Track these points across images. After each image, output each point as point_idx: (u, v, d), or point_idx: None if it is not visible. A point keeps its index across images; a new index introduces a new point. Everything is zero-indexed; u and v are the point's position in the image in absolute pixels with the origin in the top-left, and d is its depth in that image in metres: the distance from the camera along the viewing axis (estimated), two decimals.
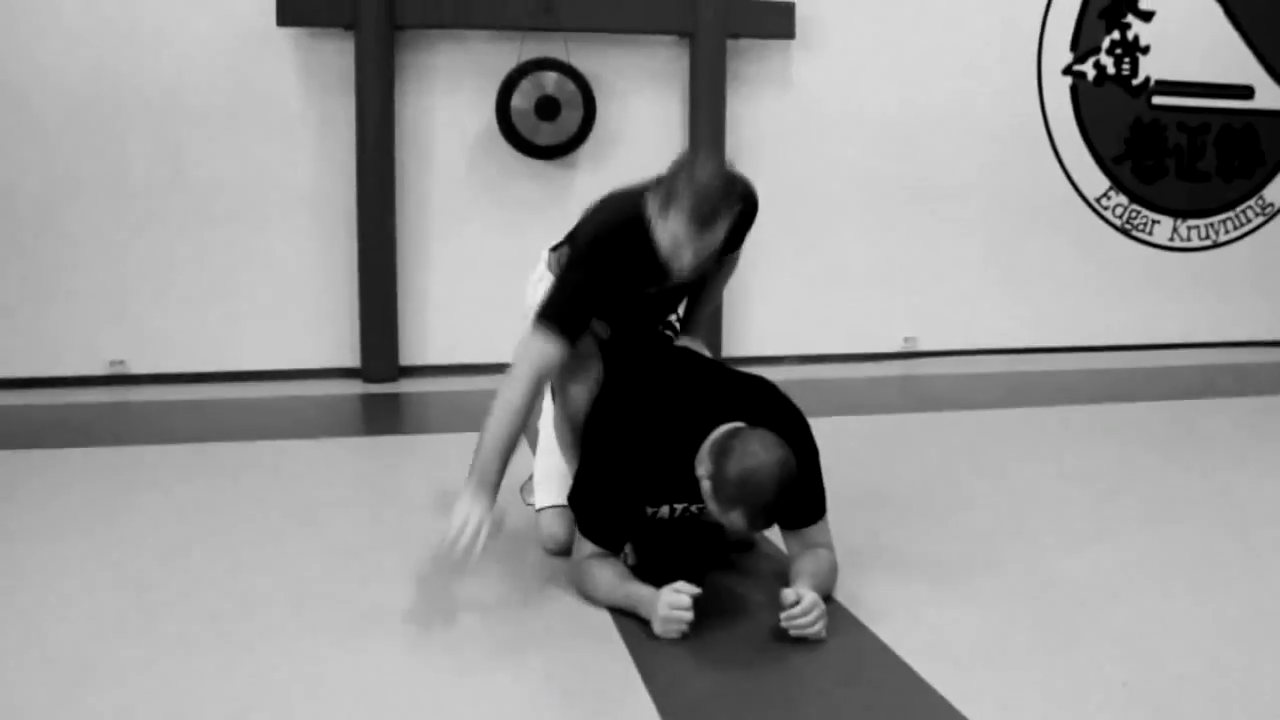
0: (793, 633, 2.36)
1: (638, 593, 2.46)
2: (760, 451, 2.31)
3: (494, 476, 2.50)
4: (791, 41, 5.51)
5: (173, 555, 2.89)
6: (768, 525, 2.42)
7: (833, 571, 2.61)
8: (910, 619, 2.53)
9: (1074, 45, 5.91)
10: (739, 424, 2.45)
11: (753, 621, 2.48)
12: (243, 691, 2.17)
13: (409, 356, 5.35)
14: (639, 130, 5.45)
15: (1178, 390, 5.26)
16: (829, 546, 2.64)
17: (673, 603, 2.37)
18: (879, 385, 5.38)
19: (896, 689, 2.22)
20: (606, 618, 2.49)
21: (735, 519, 2.33)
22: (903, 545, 3.02)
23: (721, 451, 2.34)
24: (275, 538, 3.02)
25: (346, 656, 2.33)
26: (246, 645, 2.37)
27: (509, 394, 2.51)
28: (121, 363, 5.07)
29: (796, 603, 2.35)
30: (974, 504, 3.40)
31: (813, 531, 2.62)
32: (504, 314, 5.28)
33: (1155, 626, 2.50)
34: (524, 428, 2.55)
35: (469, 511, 2.43)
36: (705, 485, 2.38)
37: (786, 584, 2.51)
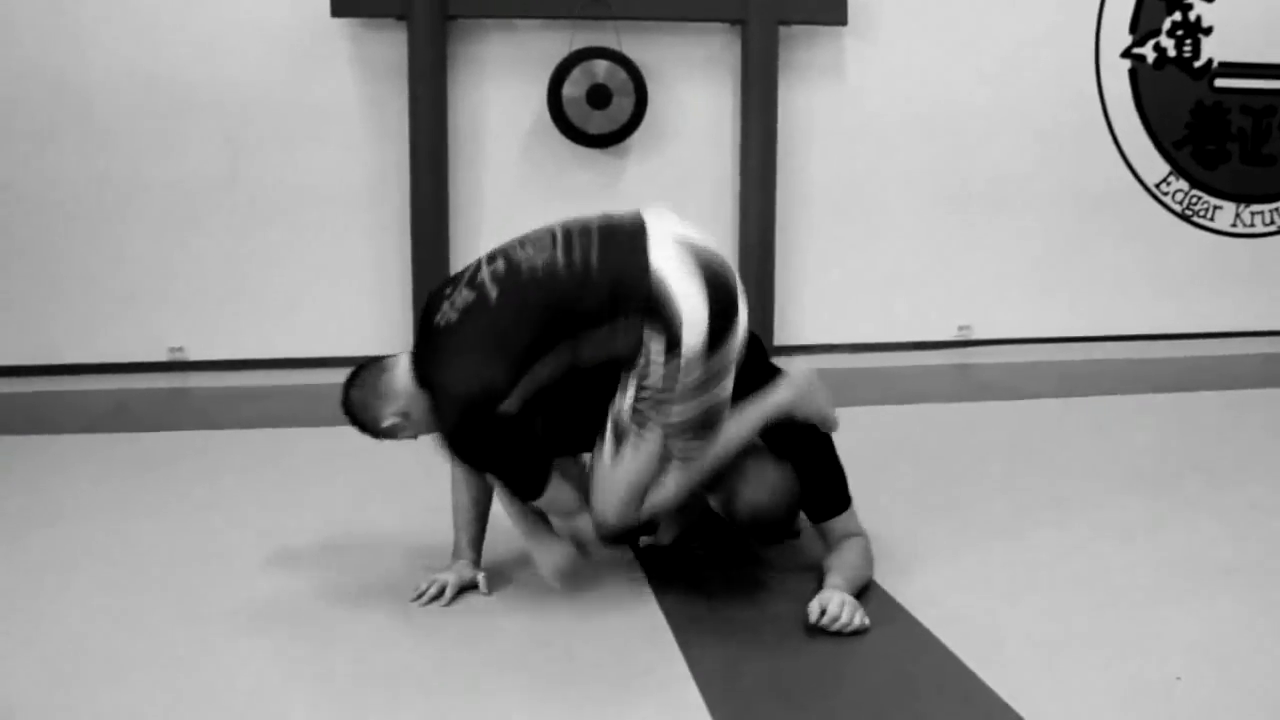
0: (832, 630, 2.37)
1: (535, 532, 2.55)
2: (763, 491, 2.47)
3: (463, 545, 2.62)
4: (843, 28, 5.46)
5: (225, 539, 2.96)
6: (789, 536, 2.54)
7: (864, 557, 2.62)
8: (958, 609, 2.52)
9: (1133, 27, 5.80)
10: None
11: (800, 607, 2.48)
12: (285, 679, 2.21)
13: None
14: (690, 118, 5.44)
15: (1239, 379, 5.16)
16: (858, 532, 2.65)
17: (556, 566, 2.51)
18: (932, 374, 5.34)
19: (942, 678, 2.21)
20: (653, 604, 2.51)
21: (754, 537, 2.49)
22: (952, 534, 3.00)
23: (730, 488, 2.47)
24: (328, 524, 3.07)
25: (390, 645, 2.36)
26: (285, 633, 2.41)
27: (454, 467, 2.59)
28: (180, 349, 5.16)
29: (823, 612, 2.37)
30: (1026, 494, 3.36)
31: (840, 522, 2.63)
32: None
33: (1212, 622, 2.47)
34: (482, 489, 2.60)
35: (436, 578, 2.56)
36: (714, 503, 2.53)
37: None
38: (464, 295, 2.39)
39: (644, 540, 2.80)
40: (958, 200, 5.74)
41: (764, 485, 2.48)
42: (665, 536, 2.78)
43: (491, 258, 2.45)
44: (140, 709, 2.09)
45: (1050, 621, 2.46)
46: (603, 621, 2.46)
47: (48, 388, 4.86)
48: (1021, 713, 2.06)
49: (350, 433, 2.57)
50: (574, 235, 2.39)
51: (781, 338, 5.59)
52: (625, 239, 2.37)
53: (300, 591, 2.62)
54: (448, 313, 2.39)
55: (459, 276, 2.50)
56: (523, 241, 2.46)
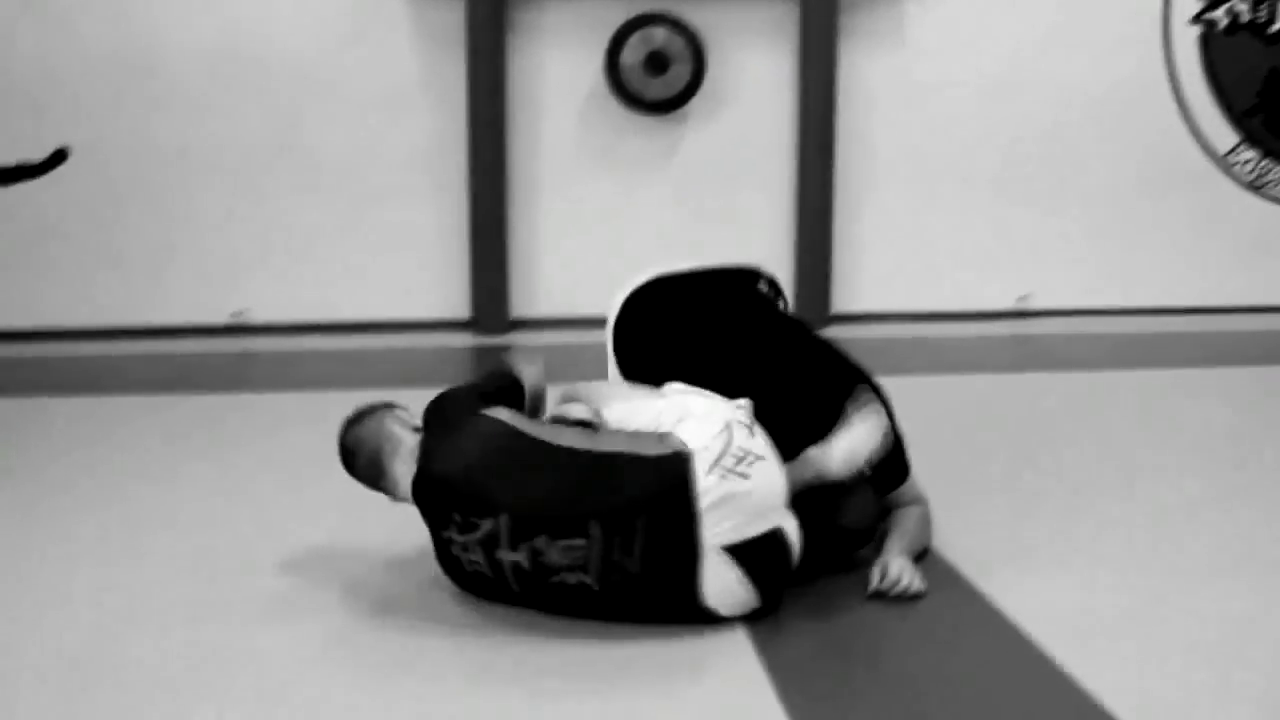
0: (892, 595, 2.38)
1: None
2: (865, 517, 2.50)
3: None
4: None
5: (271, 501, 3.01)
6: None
7: (923, 524, 2.64)
8: (1017, 580, 2.52)
9: None
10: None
11: (859, 578, 2.48)
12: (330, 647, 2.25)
13: (520, 309, 5.42)
14: (749, 85, 5.40)
15: None
16: (917, 500, 2.66)
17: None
18: (990, 345, 5.28)
19: (1003, 651, 2.21)
20: None
21: None
22: (1012, 506, 2.99)
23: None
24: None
25: (429, 614, 2.39)
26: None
27: None
28: (242, 313, 5.24)
29: (883, 577, 2.40)
30: (1087, 467, 3.33)
31: (901, 492, 2.64)
32: (613, 267, 5.34)
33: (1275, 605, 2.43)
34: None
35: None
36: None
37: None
38: (473, 557, 2.29)
39: None
40: (1019, 168, 5.64)
41: (865, 511, 2.52)
42: None
43: (514, 538, 2.23)
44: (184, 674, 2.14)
45: (1109, 594, 2.45)
46: None
47: (109, 351, 4.95)
48: (1073, 676, 2.06)
49: (415, 399, 2.60)
50: (614, 555, 2.19)
51: (839, 305, 5.56)
52: (673, 566, 2.20)
53: (355, 558, 2.67)
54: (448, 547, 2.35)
55: (467, 510, 2.29)
56: (552, 534, 2.21)
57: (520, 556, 2.21)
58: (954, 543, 2.68)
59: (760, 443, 2.27)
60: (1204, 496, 3.07)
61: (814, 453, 2.35)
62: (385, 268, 5.33)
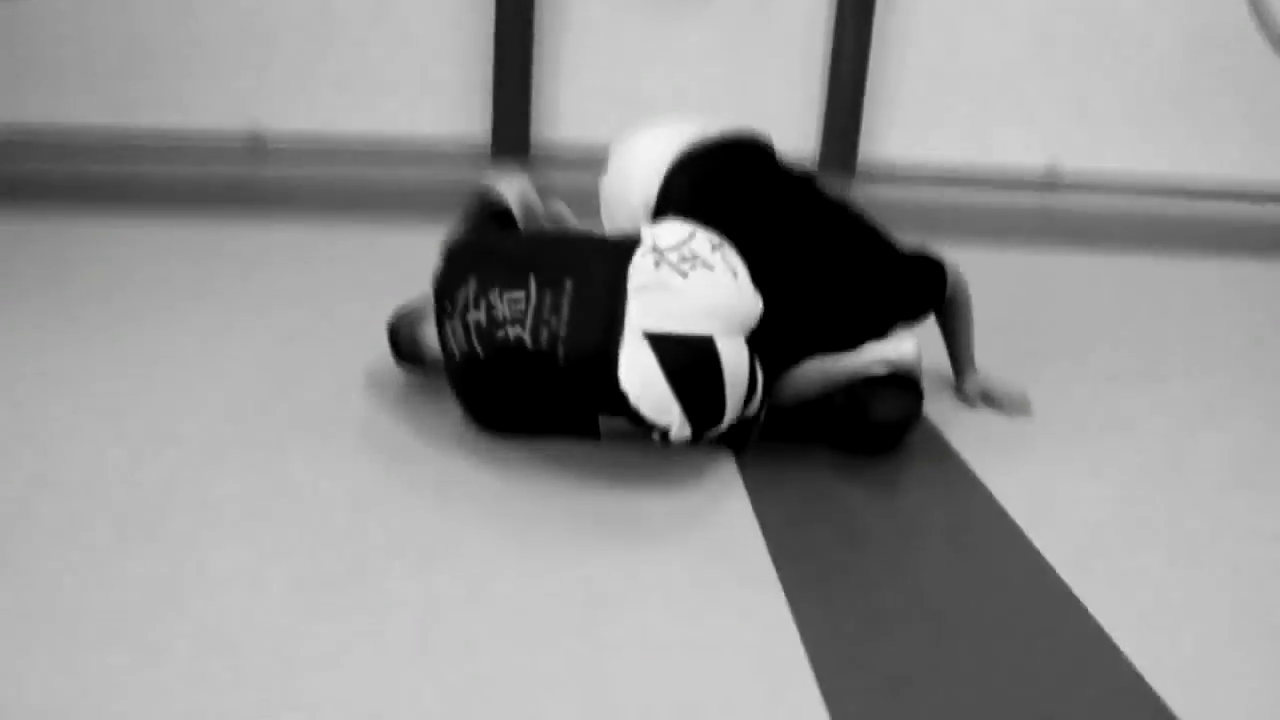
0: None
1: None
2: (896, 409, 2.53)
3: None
4: None
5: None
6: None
7: (966, 306, 2.81)
8: (1028, 483, 2.52)
9: None
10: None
11: (867, 469, 2.51)
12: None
13: (543, 132, 5.26)
14: None
15: None
16: (955, 283, 2.75)
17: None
18: (1022, 214, 5.14)
19: (1006, 556, 2.23)
20: (732, 467, 2.51)
21: None
22: (1035, 402, 2.96)
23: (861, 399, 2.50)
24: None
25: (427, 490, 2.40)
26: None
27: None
28: (256, 121, 5.08)
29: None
30: (1112, 362, 3.29)
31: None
32: (647, 87, 5.20)
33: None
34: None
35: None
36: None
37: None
38: (457, 334, 2.39)
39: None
40: (1062, 30, 5.40)
41: (898, 404, 2.52)
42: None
43: (478, 296, 2.36)
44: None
45: (1126, 510, 2.44)
46: (676, 467, 2.47)
47: (121, 152, 4.82)
48: (1066, 580, 2.11)
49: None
50: (544, 309, 2.28)
51: (867, 155, 5.42)
52: (594, 334, 2.24)
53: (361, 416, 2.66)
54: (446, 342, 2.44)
55: (452, 292, 2.44)
56: (503, 286, 2.34)
57: (480, 314, 2.33)
58: (965, 435, 2.68)
59: (718, 257, 2.32)
60: (1235, 406, 3.02)
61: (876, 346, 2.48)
62: (403, 82, 5.14)
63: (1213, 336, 3.62)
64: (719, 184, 2.67)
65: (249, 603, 1.90)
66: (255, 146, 5.04)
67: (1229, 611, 2.09)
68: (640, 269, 2.26)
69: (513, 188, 2.75)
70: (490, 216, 2.71)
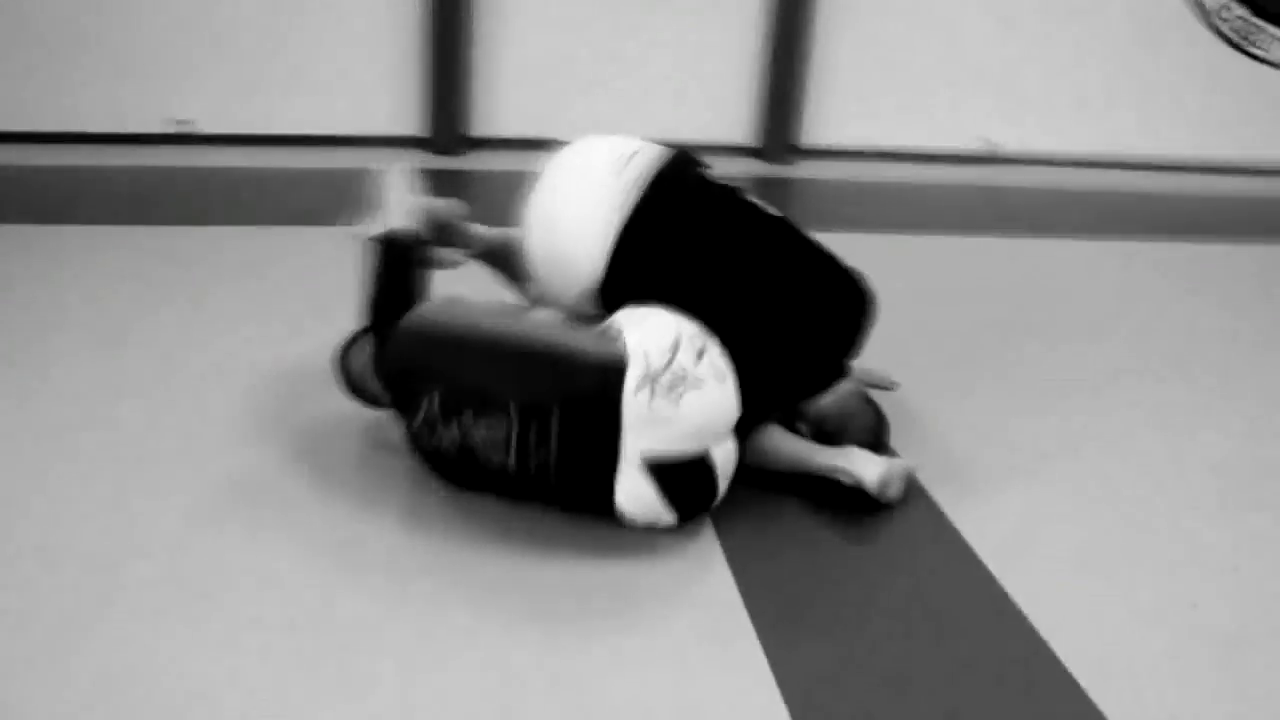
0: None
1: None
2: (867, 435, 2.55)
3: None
4: None
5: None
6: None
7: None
8: (970, 488, 2.56)
9: None
10: None
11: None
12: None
13: (481, 126, 5.20)
14: None
15: None
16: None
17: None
18: (959, 195, 5.16)
19: (959, 576, 2.27)
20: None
21: None
22: (966, 401, 2.99)
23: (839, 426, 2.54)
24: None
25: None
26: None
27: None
28: (187, 122, 4.96)
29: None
30: (1054, 359, 3.31)
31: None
32: (586, 78, 5.15)
33: (1242, 540, 2.46)
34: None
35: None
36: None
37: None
38: (424, 434, 2.31)
39: None
40: (1005, 7, 5.42)
41: (867, 428, 2.56)
42: None
43: (446, 413, 2.24)
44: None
45: (1070, 520, 2.49)
46: None
47: (49, 160, 4.70)
48: (1019, 604, 2.13)
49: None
50: (530, 441, 2.19)
51: (808, 138, 5.43)
52: (590, 467, 2.20)
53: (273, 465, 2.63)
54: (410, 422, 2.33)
55: (411, 389, 2.31)
56: (477, 411, 2.22)
57: (453, 433, 2.24)
58: (915, 443, 2.70)
59: (706, 367, 2.23)
60: (1181, 403, 3.05)
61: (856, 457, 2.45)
62: (336, 76, 5.03)
63: (1157, 328, 3.64)
64: (674, 250, 2.49)
65: (222, 678, 1.87)
66: (178, 141, 4.93)
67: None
68: (634, 405, 2.16)
69: (402, 201, 2.59)
70: (404, 265, 2.51)
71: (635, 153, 2.54)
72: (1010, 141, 5.61)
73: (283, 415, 2.70)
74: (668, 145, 2.63)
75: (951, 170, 5.46)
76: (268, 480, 2.43)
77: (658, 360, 2.19)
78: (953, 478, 2.61)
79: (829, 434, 2.54)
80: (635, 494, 2.21)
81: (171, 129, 4.93)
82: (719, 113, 5.37)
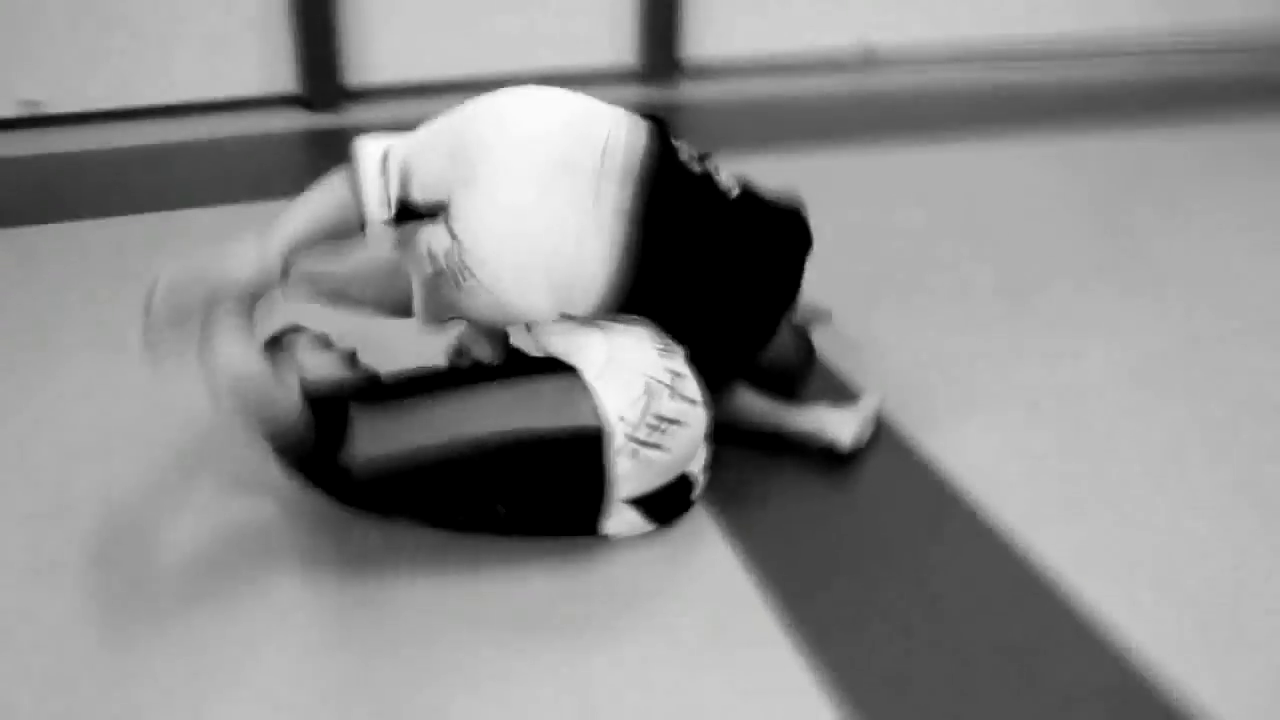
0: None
1: None
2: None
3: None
4: None
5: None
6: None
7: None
8: (933, 418, 2.60)
9: None
10: None
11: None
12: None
13: (359, 75, 4.93)
14: None
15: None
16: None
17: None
18: (838, 104, 5.08)
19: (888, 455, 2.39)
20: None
21: None
22: (900, 321, 3.01)
23: None
24: None
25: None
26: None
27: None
28: (36, 103, 4.57)
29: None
30: (963, 278, 3.30)
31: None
32: (460, 11, 4.89)
33: (1192, 424, 2.56)
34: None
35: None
36: None
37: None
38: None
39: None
40: None
41: (785, 347, 2.52)
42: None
43: (434, 523, 2.23)
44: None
45: (1016, 436, 2.55)
46: None
47: None
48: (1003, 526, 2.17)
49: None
50: (519, 520, 2.19)
51: (689, 51, 5.32)
52: (580, 516, 2.19)
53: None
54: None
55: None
56: (466, 513, 2.20)
57: (425, 520, 2.25)
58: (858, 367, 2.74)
59: (682, 405, 2.17)
60: (1091, 314, 3.09)
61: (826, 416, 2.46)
62: (198, 36, 4.70)
63: (1061, 232, 3.66)
64: (675, 262, 2.24)
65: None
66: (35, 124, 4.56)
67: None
68: (621, 462, 2.12)
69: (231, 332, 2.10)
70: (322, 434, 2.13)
71: (607, 135, 2.14)
72: (885, 38, 5.60)
73: None
74: (631, 112, 2.23)
75: (837, 79, 5.43)
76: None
77: (633, 415, 2.11)
78: (912, 406, 2.64)
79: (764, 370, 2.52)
80: (621, 522, 2.22)
81: (17, 112, 4.55)
82: (598, 42, 5.21)
